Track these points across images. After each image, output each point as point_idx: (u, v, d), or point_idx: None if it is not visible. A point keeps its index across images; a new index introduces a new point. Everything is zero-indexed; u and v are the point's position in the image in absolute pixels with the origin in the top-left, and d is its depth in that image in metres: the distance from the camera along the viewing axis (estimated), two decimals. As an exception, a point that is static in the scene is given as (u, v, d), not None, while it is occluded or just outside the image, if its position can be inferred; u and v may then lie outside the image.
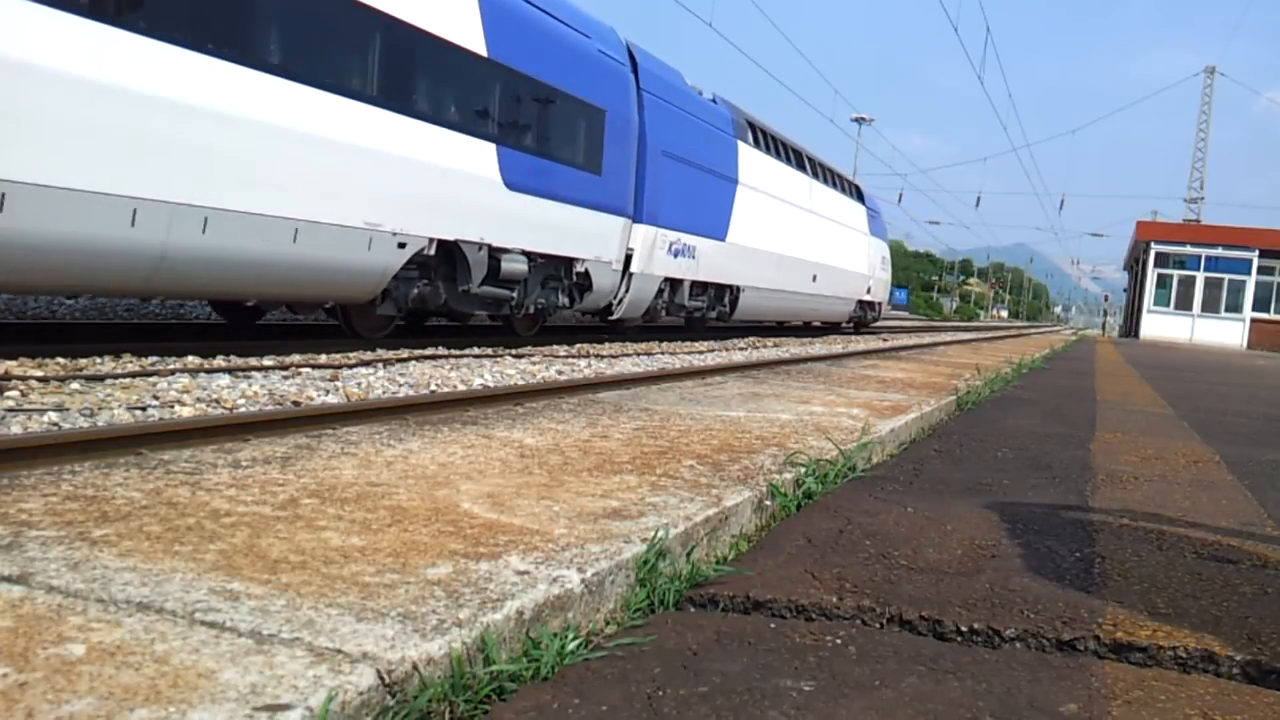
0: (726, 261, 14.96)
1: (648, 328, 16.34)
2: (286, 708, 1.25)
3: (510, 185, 9.59)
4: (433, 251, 8.63)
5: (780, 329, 21.13)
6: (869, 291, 23.62)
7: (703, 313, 14.94)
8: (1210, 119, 55.58)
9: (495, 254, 9.53)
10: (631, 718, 1.49)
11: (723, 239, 14.82)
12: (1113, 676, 1.78)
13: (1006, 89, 36.86)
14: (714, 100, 15.32)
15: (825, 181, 20.28)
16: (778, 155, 17.53)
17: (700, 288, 14.46)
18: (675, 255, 13.20)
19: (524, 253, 9.98)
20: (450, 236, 8.87)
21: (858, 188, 23.65)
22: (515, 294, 10.04)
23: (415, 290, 8.90)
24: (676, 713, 1.51)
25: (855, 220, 22.59)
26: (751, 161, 16.03)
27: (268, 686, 1.31)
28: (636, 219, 12.21)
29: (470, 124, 9.12)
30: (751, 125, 16.47)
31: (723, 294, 15.37)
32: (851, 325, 24.30)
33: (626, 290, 12.13)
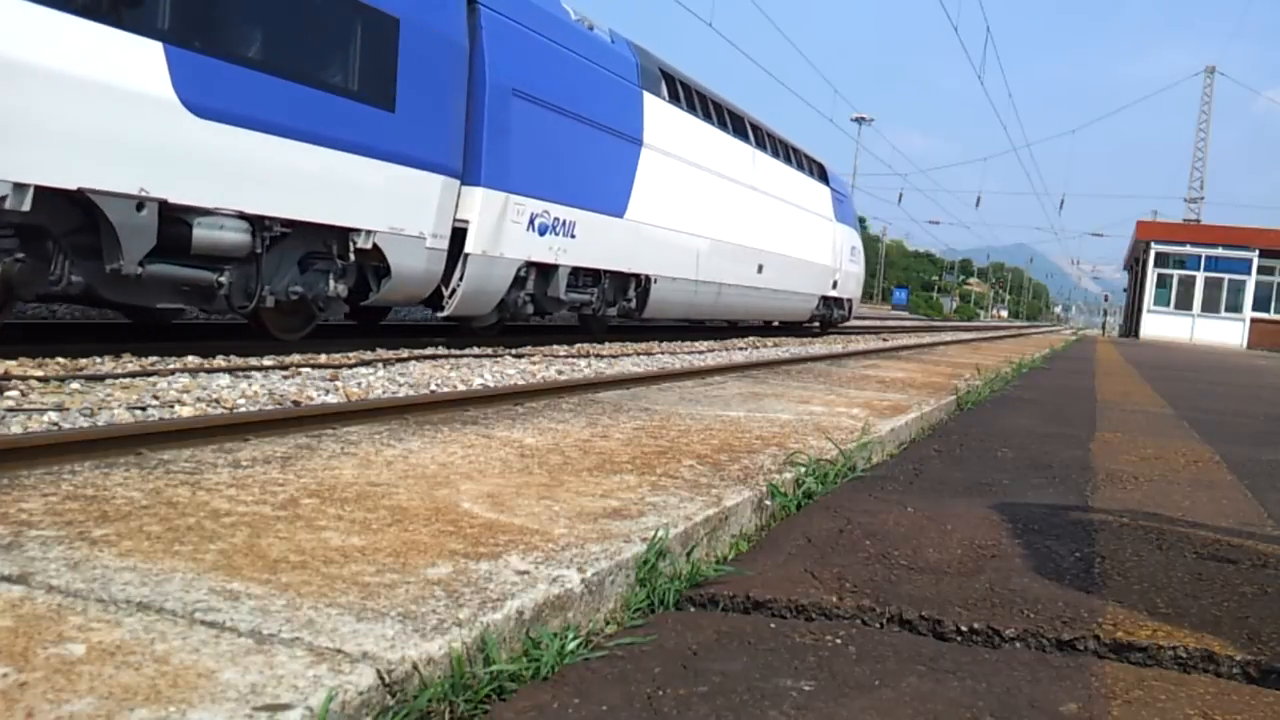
0: (628, 244, 11.52)
1: (631, 328, 15.10)
2: (286, 707, 1.25)
3: (200, 109, 6.21)
4: (26, 206, 5.34)
5: (735, 329, 18.19)
6: (835, 286, 20.45)
7: (597, 309, 11.51)
8: (1210, 119, 55.58)
9: (179, 216, 6.25)
10: (631, 718, 1.49)
11: (620, 214, 11.28)
12: (1113, 676, 1.78)
13: (1006, 89, 36.88)
14: (611, 39, 11.63)
15: (775, 154, 16.84)
16: (706, 116, 13.97)
17: (589, 277, 11.07)
18: (543, 232, 9.76)
19: (245, 216, 6.68)
20: (67, 183, 5.54)
21: (820, 166, 20.02)
22: (225, 277, 6.66)
23: None
24: (676, 712, 1.51)
25: (816, 202, 19.22)
26: (665, 120, 12.46)
27: (268, 686, 1.31)
28: (472, 180, 8.73)
29: (104, 5, 5.70)
30: (667, 76, 12.76)
31: (625, 285, 12.01)
32: (818, 325, 21.22)
33: (461, 278, 8.67)
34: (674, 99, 13.03)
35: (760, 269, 15.78)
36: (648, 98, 12.16)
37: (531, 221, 9.62)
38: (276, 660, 1.39)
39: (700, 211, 13.63)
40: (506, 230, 9.27)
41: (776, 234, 16.62)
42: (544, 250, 9.92)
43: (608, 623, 1.94)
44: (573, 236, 10.38)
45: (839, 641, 1.88)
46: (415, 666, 1.44)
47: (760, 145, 16.16)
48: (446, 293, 8.80)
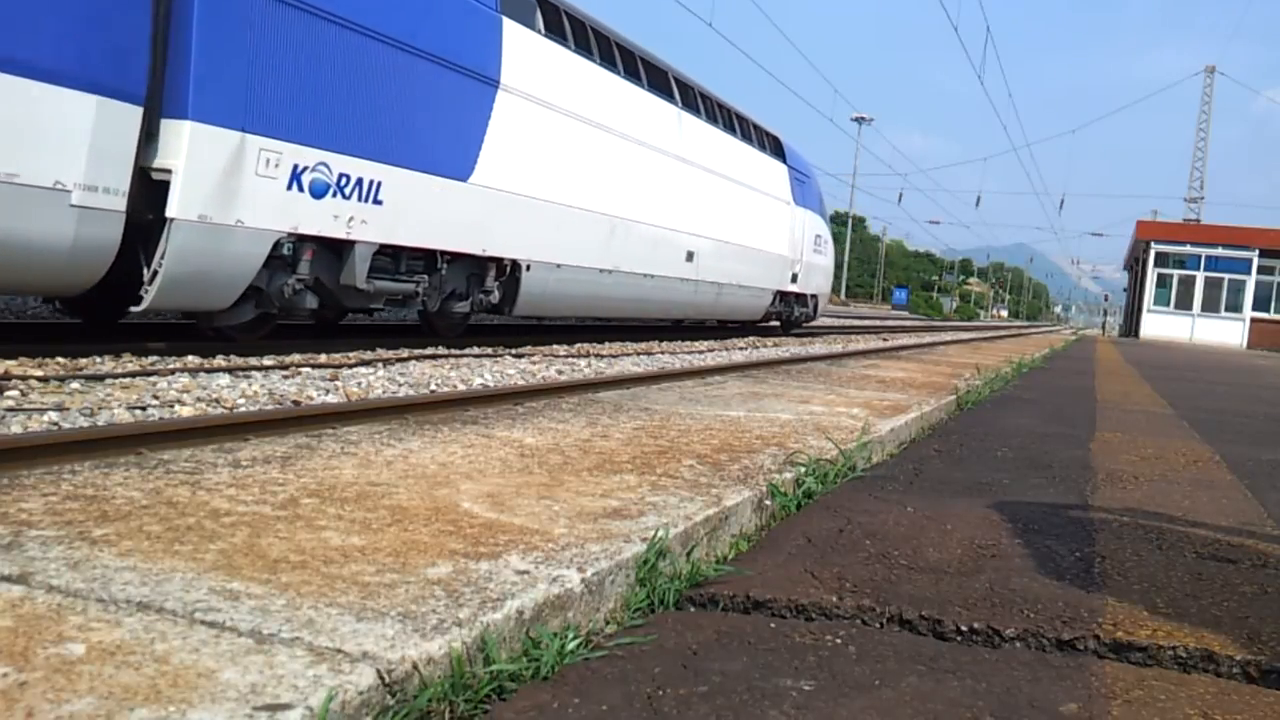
0: (478, 217, 8.77)
1: (637, 328, 14.78)
2: (286, 707, 1.25)
3: None
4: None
5: (703, 329, 16.57)
6: (795, 280, 17.68)
7: (433, 302, 8.66)
8: (1210, 119, 55.61)
9: None
10: (631, 717, 1.49)
11: (464, 177, 8.49)
12: (1113, 676, 1.78)
13: (1006, 89, 36.90)
14: None
15: (712, 120, 14.05)
16: (609, 63, 10.97)
17: (417, 260, 8.34)
18: (320, 193, 7.01)
19: None
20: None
21: (775, 139, 17.02)
22: None
23: None
24: (676, 712, 1.51)
25: (769, 181, 16.29)
26: (540, 60, 9.53)
27: (268, 686, 1.31)
28: (176, 109, 6.03)
29: None
30: (546, 3, 9.85)
31: (481, 273, 9.21)
32: (778, 325, 18.64)
33: (164, 255, 6.01)
34: (555, 34, 9.90)
35: (690, 257, 13.18)
36: (511, 28, 9.09)
37: (297, 177, 6.78)
38: (276, 660, 1.39)
39: (601, 183, 10.83)
40: (248, 187, 6.45)
41: (712, 216, 13.93)
42: (324, 219, 7.07)
43: (608, 622, 1.94)
44: (377, 202, 7.53)
45: (839, 641, 1.88)
46: (415, 666, 1.44)
47: (690, 107, 13.32)
48: (146, 276, 6.14)
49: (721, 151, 14.32)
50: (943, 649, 1.89)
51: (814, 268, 18.94)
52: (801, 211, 18.08)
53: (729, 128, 14.81)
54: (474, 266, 9.18)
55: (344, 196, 7.28)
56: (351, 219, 7.38)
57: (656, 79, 12.44)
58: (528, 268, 9.72)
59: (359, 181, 7.42)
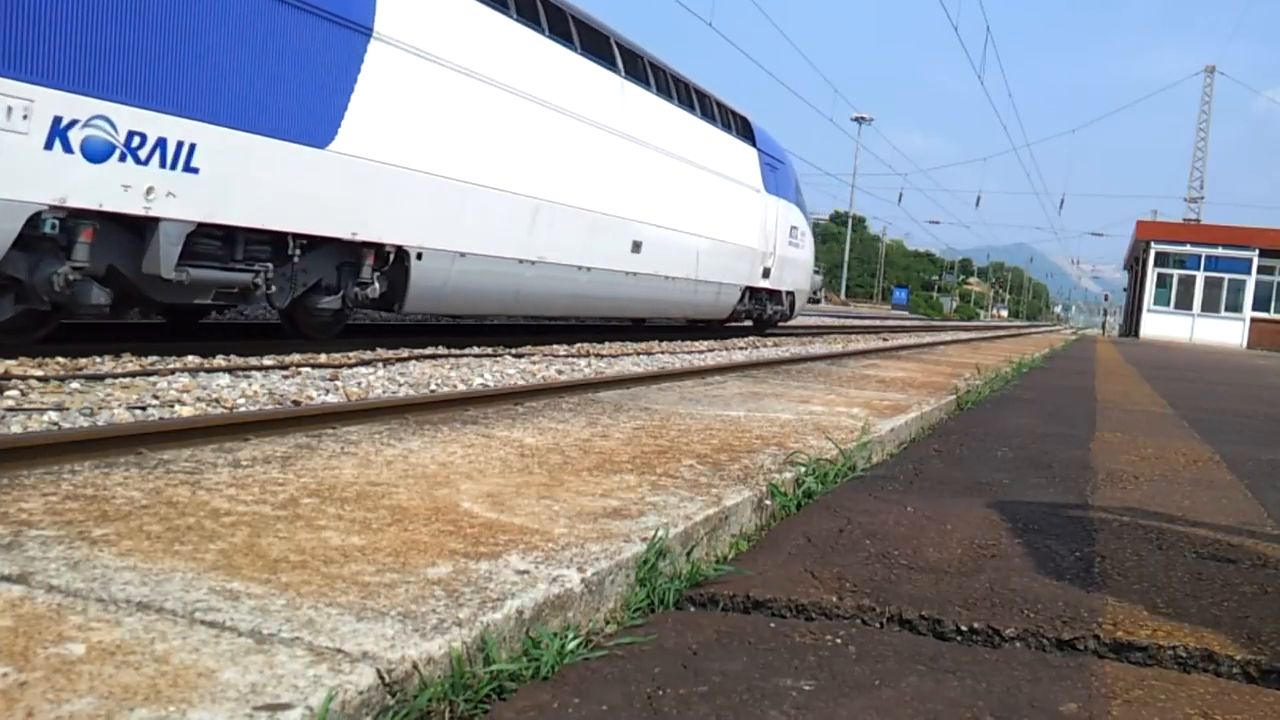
0: (343, 193, 7.18)
1: (639, 329, 14.59)
2: (286, 707, 1.25)
3: None
4: None
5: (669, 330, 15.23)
6: (767, 275, 16.01)
7: (280, 295, 7.09)
8: (1210, 118, 55.62)
9: None
10: (631, 717, 1.49)
11: (322, 144, 6.93)
12: (1113, 676, 1.78)
13: (1006, 89, 36.92)
14: None
15: (663, 93, 12.37)
16: (528, 19, 9.43)
17: (261, 244, 6.80)
18: (101, 156, 5.57)
19: None
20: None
21: (743, 120, 15.37)
22: None
23: None
24: (676, 712, 1.51)
25: (735, 165, 14.70)
26: (431, 8, 8.04)
27: (268, 686, 1.31)
28: None
29: None
30: None
31: (357, 262, 7.66)
32: (751, 324, 17.10)
33: None
34: None
35: (636, 248, 11.56)
36: None
37: (61, 133, 5.31)
38: (276, 660, 1.39)
39: (521, 160, 9.26)
40: None
41: (664, 202, 12.27)
42: (108, 189, 5.60)
43: (608, 622, 1.94)
44: (190, 169, 6.02)
45: (839, 641, 1.88)
46: (415, 666, 1.44)
47: (637, 78, 11.63)
48: None
49: (676, 129, 12.66)
50: (943, 649, 1.89)
51: (789, 262, 17.22)
52: (774, 200, 16.26)
53: (686, 103, 13.10)
54: (344, 254, 7.61)
55: (139, 161, 5.73)
56: (152, 190, 5.81)
57: (593, 43, 10.62)
58: (418, 256, 8.09)
59: (161, 143, 5.83)
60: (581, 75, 10.36)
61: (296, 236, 6.99)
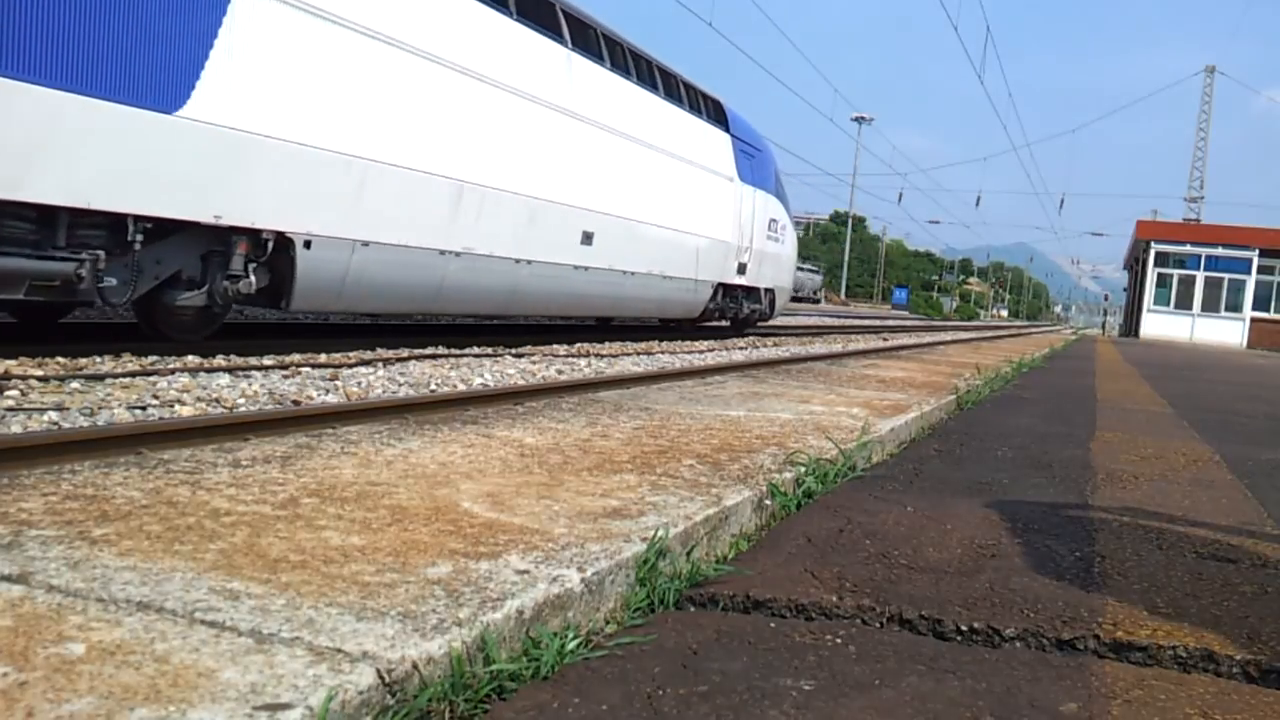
0: (206, 169, 6.14)
1: (643, 327, 14.23)
2: (286, 707, 1.25)
3: None
4: None
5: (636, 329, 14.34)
6: (742, 271, 14.87)
7: (128, 290, 6.08)
8: (1210, 118, 55.65)
9: None
10: (631, 717, 1.49)
11: (172, 109, 5.89)
12: (1113, 676, 1.78)
13: (1006, 89, 36.93)
14: None
15: (620, 69, 11.15)
16: None
17: (85, 228, 5.73)
18: None
19: None
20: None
21: (715, 103, 14.17)
22: None
23: None
24: (676, 712, 1.51)
25: (704, 151, 13.50)
26: None
27: (268, 686, 1.31)
28: None
29: None
30: None
31: (226, 251, 6.61)
32: (729, 324, 15.95)
33: None
34: None
35: (588, 239, 10.44)
36: None
37: None
38: (276, 660, 1.39)
39: (440, 137, 8.13)
40: None
41: (621, 189, 11.11)
42: None
43: (608, 622, 1.94)
44: None
45: (839, 641, 1.88)
46: (415, 666, 1.44)
47: (587, 51, 10.44)
48: None
49: (635, 110, 11.44)
50: (943, 649, 1.89)
51: (768, 257, 15.88)
52: (750, 190, 14.96)
53: (647, 82, 11.83)
54: (209, 241, 6.49)
55: None
56: None
57: (533, 9, 9.42)
58: (306, 245, 6.89)
59: None
60: (518, 44, 9.18)
61: (139, 219, 5.87)
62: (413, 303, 8.61)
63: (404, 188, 7.80)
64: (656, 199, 12.10)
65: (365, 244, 7.48)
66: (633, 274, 11.68)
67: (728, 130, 14.44)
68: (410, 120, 7.87)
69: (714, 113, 14.08)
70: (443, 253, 8.35)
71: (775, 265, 16.51)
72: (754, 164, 15.36)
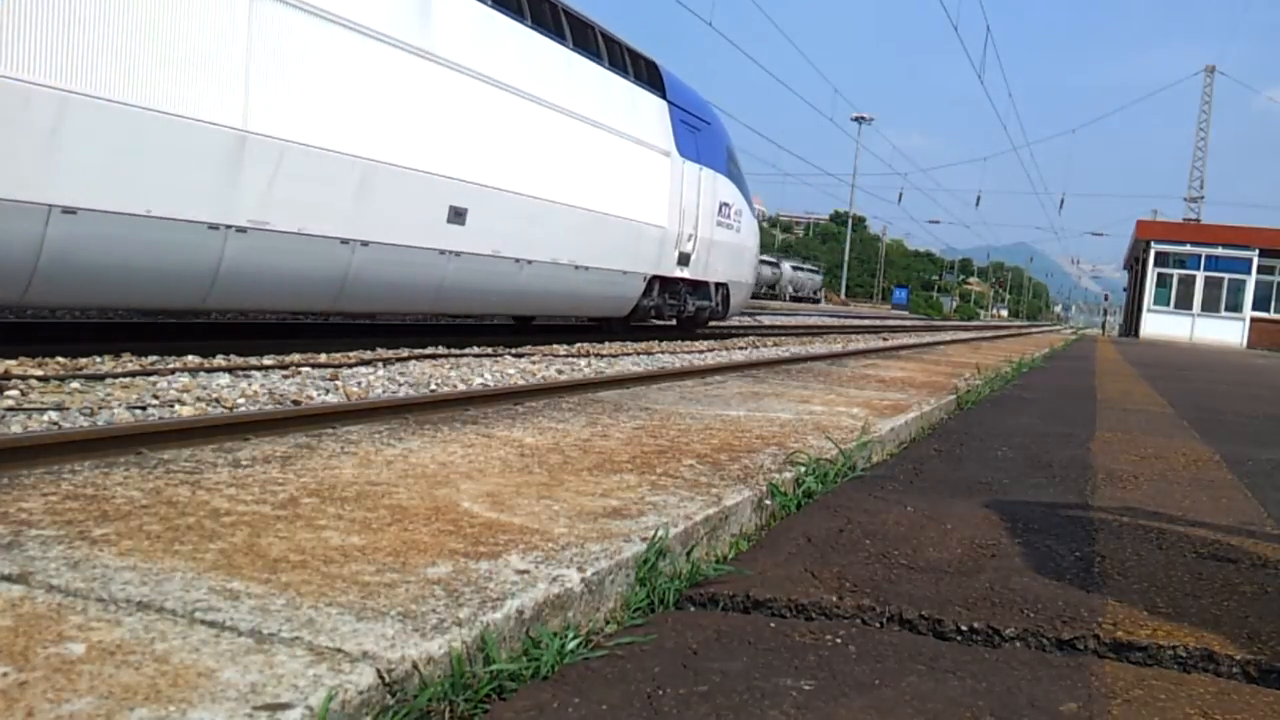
0: None
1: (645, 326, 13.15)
2: (286, 707, 1.25)
3: None
4: None
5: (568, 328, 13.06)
6: (685, 262, 12.89)
7: None
8: (1210, 118, 55.66)
9: None
10: (631, 717, 1.49)
11: None
12: (1113, 676, 1.78)
13: (1006, 89, 36.95)
14: None
15: (505, 6, 9.12)
16: None
17: None
18: None
19: None
20: None
21: (649, 64, 12.15)
22: None
23: None
24: (676, 712, 1.51)
25: (633, 118, 11.42)
26: None
27: (268, 685, 1.31)
28: None
29: None
30: None
31: None
32: (676, 323, 14.27)
33: None
34: None
35: (458, 216, 8.46)
36: None
37: None
38: (276, 659, 1.39)
39: (202, 73, 6.10)
40: None
41: (510, 156, 9.16)
42: None
43: (608, 622, 1.94)
44: None
45: (839, 641, 1.88)
46: (415, 666, 1.44)
47: None
48: None
49: (527, 58, 9.39)
50: (943, 649, 1.89)
51: (720, 247, 13.86)
52: (693, 168, 12.89)
53: (546, 27, 9.78)
54: None
55: None
56: None
57: None
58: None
59: None
60: None
61: None
62: (172, 295, 6.37)
63: (144, 139, 5.72)
64: (563, 172, 9.98)
65: (74, 212, 5.47)
66: (530, 262, 9.60)
67: (663, 96, 12.33)
68: (141, 46, 5.68)
69: (646, 74, 11.91)
70: (217, 228, 6.27)
71: (730, 256, 14.34)
72: (699, 138, 13.27)
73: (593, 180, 10.65)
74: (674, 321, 14.15)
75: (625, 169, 11.34)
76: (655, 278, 12.36)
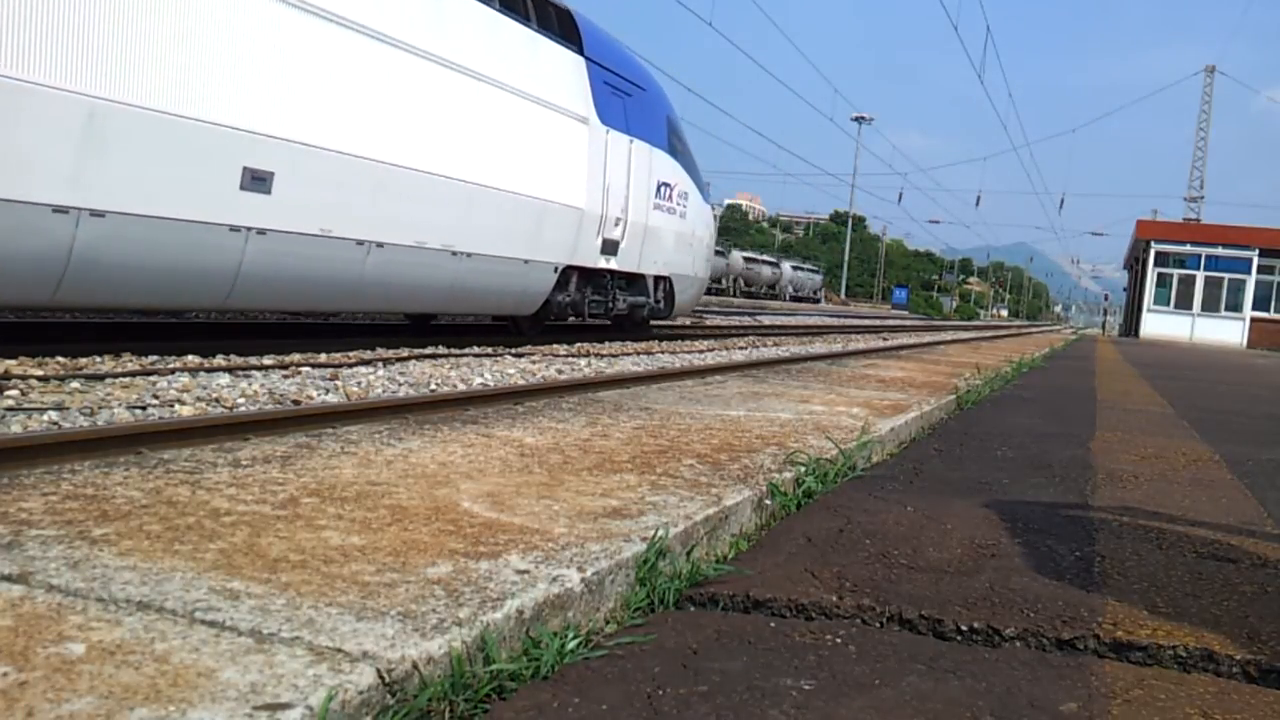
0: None
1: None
2: (286, 707, 1.25)
3: None
4: None
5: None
6: (612, 251, 10.93)
7: None
8: (1210, 118, 55.67)
9: None
10: (631, 717, 1.49)
11: None
12: (1113, 675, 1.78)
13: (1007, 88, 36.97)
14: None
15: None
16: None
17: None
18: None
19: None
20: None
21: (560, 11, 10.14)
22: None
23: None
24: (676, 711, 1.51)
25: (533, 75, 9.44)
26: None
27: (268, 685, 1.31)
28: None
29: None
30: None
31: None
32: (610, 323, 12.54)
33: None
34: None
35: (258, 182, 6.61)
36: None
37: None
38: (276, 659, 1.39)
39: None
40: None
41: (341, 107, 7.23)
42: None
43: (608, 622, 1.94)
44: None
45: (839, 641, 1.88)
46: (415, 666, 1.44)
47: None
48: None
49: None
50: (943, 648, 1.89)
51: (660, 234, 11.88)
52: (621, 140, 10.87)
53: None
54: None
55: None
56: None
57: None
58: None
59: None
60: None
61: None
62: None
63: None
64: (429, 133, 8.06)
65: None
66: (380, 245, 7.59)
67: (580, 52, 10.24)
68: None
69: (556, 24, 9.94)
70: None
71: (673, 245, 12.37)
72: (630, 105, 11.19)
73: (474, 146, 8.61)
74: (608, 322, 12.38)
75: (523, 135, 9.28)
76: (572, 269, 10.39)
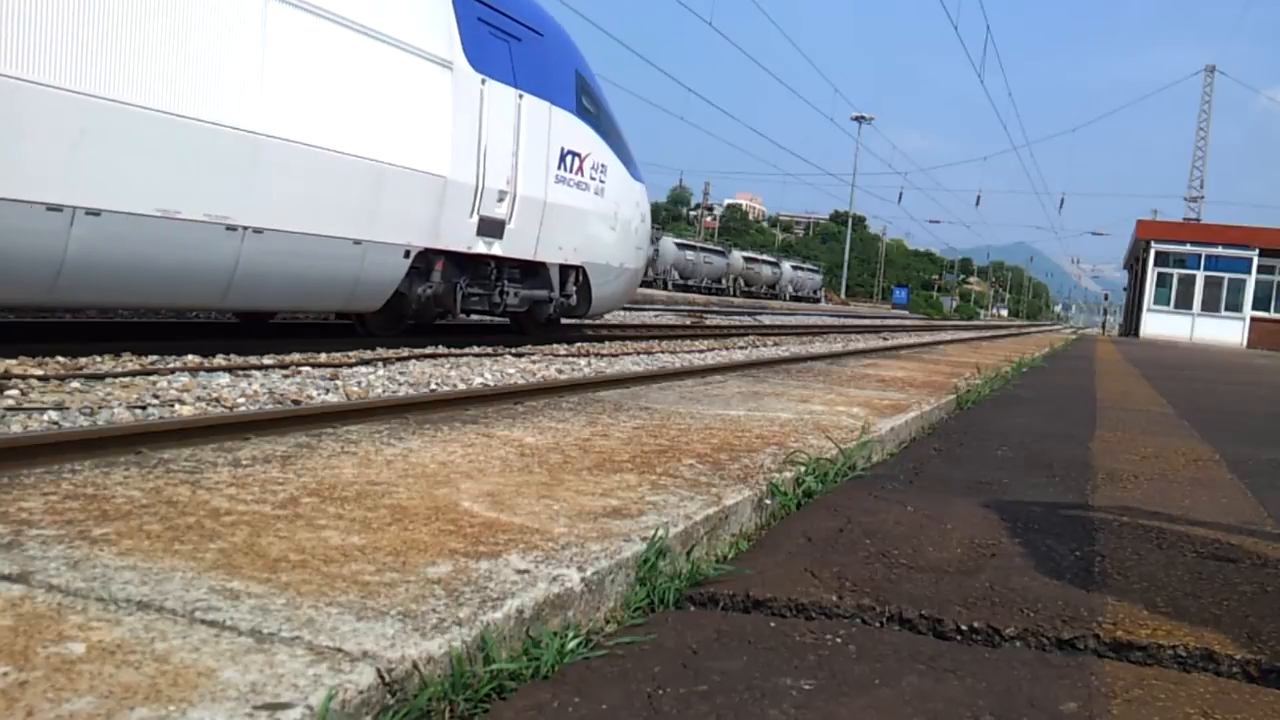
0: None
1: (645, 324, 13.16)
2: (287, 706, 1.25)
3: None
4: None
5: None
6: (496, 232, 8.87)
7: None
8: (1210, 118, 55.68)
9: None
10: (631, 716, 1.49)
11: None
12: (1113, 675, 1.78)
13: (1007, 88, 36.97)
14: None
15: None
16: None
17: None
18: None
19: None
20: None
21: None
22: None
23: None
24: (676, 711, 1.51)
25: (371, 7, 7.20)
26: None
27: (268, 685, 1.31)
28: None
29: None
30: None
31: None
32: (509, 322, 10.72)
33: None
34: None
35: None
36: None
37: None
38: (276, 659, 1.39)
39: None
40: None
41: (70, 29, 5.19)
42: None
43: (608, 621, 1.94)
44: None
45: (839, 640, 1.88)
46: (415, 665, 1.44)
47: None
48: None
49: None
50: (943, 648, 1.89)
51: (565, 213, 9.81)
52: (507, 94, 8.83)
53: None
54: None
55: None
56: None
57: None
58: None
59: None
60: None
61: None
62: None
63: None
64: (190, 67, 5.96)
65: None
66: (98, 214, 5.51)
67: None
68: None
69: None
70: None
71: (586, 227, 10.24)
72: (519, 52, 9.07)
73: (265, 85, 6.47)
74: (504, 320, 10.48)
75: (347, 77, 7.16)
76: (435, 253, 8.34)
